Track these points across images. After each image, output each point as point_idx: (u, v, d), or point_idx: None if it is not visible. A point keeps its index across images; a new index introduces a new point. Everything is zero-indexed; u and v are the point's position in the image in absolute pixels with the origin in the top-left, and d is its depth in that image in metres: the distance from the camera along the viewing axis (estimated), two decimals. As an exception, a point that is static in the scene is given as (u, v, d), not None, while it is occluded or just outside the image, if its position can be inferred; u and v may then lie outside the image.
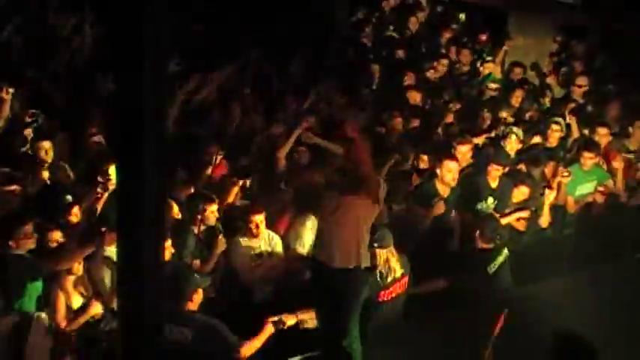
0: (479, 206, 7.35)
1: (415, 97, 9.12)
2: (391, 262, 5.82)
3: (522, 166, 7.92)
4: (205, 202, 6.06)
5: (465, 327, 5.36)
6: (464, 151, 7.58)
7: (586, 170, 8.06)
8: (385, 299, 5.83)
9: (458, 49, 10.87)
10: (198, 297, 5.01)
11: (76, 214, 5.74)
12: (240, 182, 6.60)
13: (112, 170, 5.54)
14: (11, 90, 6.94)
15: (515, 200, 7.49)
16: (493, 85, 9.88)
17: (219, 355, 4.90)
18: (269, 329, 5.22)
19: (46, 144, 6.54)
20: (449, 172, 6.95)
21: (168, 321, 4.53)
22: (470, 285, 6.25)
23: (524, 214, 7.42)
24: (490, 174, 7.35)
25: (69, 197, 5.87)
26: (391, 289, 5.85)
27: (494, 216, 6.82)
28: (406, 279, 5.98)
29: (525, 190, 7.48)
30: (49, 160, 6.51)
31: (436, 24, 12.09)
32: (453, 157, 7.11)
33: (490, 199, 7.36)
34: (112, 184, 5.61)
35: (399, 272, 5.88)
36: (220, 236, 6.04)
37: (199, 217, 5.96)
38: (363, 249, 5.27)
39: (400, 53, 10.53)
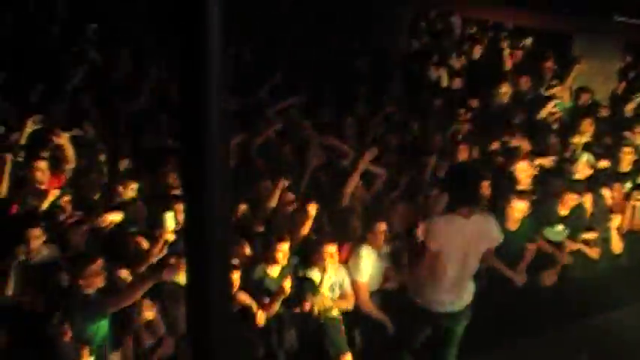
0: (547, 233, 7.15)
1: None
2: None
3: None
4: (277, 240, 5.95)
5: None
6: (522, 168, 7.38)
7: None
8: None
9: (522, 75, 10.71)
10: None
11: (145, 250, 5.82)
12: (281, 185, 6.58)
13: (168, 216, 5.71)
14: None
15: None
16: (554, 110, 9.65)
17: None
18: None
19: (133, 184, 6.65)
20: (517, 212, 6.79)
21: None
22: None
23: (591, 235, 7.17)
24: (562, 201, 7.12)
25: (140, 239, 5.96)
26: None
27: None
28: None
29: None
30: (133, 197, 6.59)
31: (500, 50, 11.97)
32: (522, 196, 6.90)
33: (560, 227, 7.16)
34: (167, 232, 5.75)
35: None
36: (287, 281, 5.77)
37: (270, 255, 5.92)
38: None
39: (458, 82, 10.47)
